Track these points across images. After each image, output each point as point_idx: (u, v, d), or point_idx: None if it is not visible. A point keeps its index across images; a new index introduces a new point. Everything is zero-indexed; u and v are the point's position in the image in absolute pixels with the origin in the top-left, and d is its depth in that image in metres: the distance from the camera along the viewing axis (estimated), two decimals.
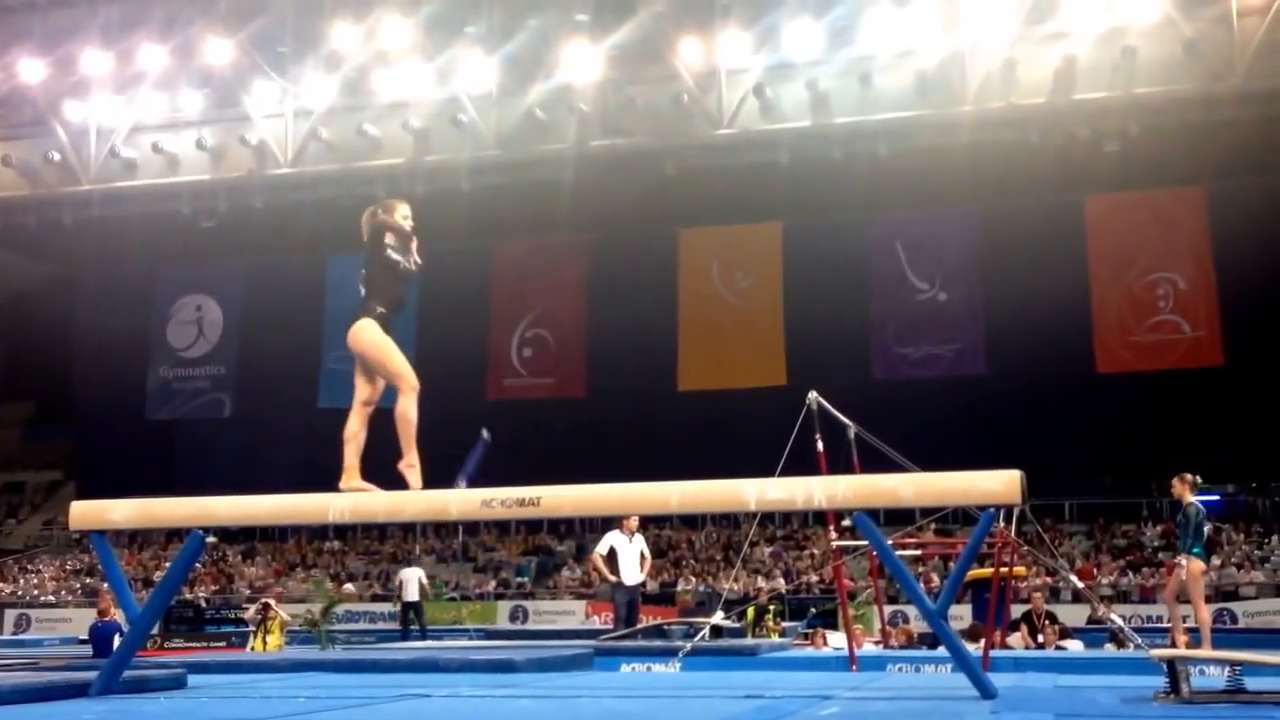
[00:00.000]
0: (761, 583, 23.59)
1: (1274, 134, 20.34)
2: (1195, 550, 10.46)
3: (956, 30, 20.30)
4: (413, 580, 19.96)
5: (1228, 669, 6.14)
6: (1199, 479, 10.70)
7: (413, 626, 19.85)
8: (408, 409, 6.45)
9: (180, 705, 6.18)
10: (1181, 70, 19.73)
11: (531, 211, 24.58)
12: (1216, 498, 26.61)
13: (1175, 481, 10.73)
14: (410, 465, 6.38)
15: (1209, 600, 11.90)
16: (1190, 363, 22.88)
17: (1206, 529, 10.68)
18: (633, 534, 13.21)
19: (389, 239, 6.74)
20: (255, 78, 23.10)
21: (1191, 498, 10.59)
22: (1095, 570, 23.49)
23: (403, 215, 6.82)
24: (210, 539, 7.34)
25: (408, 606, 20.02)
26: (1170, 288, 23.08)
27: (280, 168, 23.30)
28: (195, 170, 23.91)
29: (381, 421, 6.67)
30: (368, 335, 6.54)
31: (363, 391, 6.65)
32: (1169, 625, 11.38)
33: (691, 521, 27.86)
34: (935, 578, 21.30)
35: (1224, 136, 20.47)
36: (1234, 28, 19.41)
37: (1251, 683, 6.06)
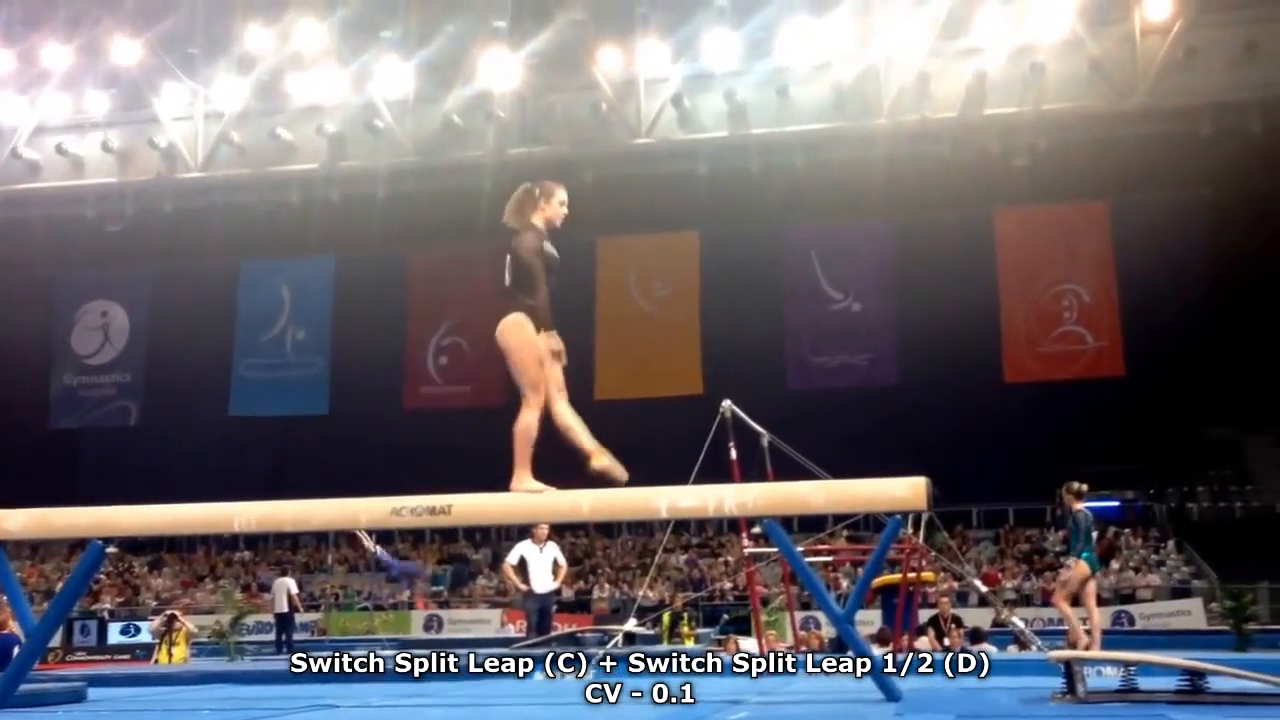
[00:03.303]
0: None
1: (1175, 150, 20.96)
2: (1085, 555, 10.77)
3: (872, 45, 20.63)
4: (281, 592, 19.74)
5: (1122, 669, 6.32)
6: (1085, 487, 11.00)
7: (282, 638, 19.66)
8: (531, 423, 5.99)
9: (78, 719, 6.04)
10: (1087, 87, 20.29)
11: (448, 219, 24.44)
12: (1116, 504, 27.37)
13: (1064, 492, 11.03)
14: (518, 481, 5.98)
15: (1099, 604, 12.21)
16: (1093, 372, 23.45)
17: (1094, 535, 10.99)
18: (543, 543, 13.20)
19: (543, 226, 6.20)
20: (164, 79, 22.66)
21: (1080, 505, 10.88)
22: (1000, 575, 23.98)
23: (559, 201, 6.26)
24: (111, 549, 7.17)
25: (278, 618, 19.83)
26: (1074, 299, 23.63)
27: (190, 171, 22.88)
28: (101, 173, 23.40)
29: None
30: (521, 333, 6.01)
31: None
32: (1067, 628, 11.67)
33: (607, 529, 27.88)
34: (845, 583, 21.57)
35: (1127, 152, 21.06)
36: (1137, 47, 20.01)
37: (1145, 682, 6.24)
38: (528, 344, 6.03)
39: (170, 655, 16.63)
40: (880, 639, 12.03)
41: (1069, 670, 6.00)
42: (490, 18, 21.67)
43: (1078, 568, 10.76)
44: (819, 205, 24.33)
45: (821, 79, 20.81)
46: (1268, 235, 22.93)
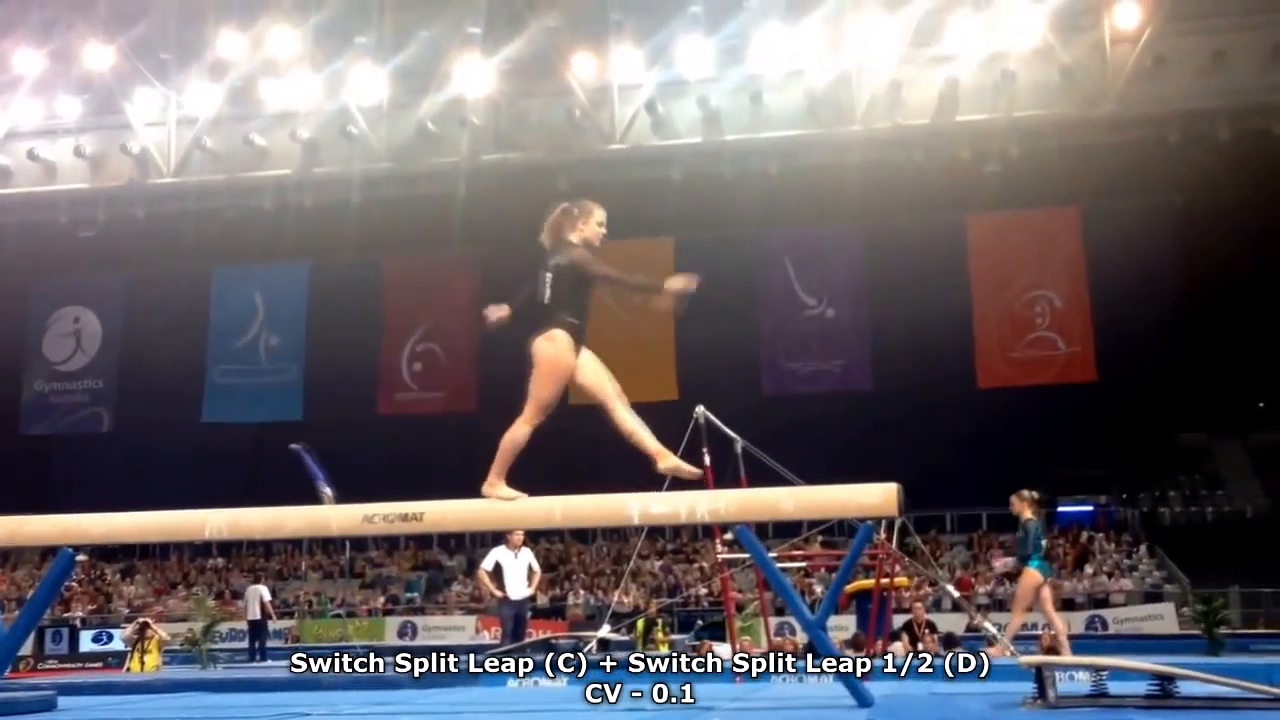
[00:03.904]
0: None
1: (1145, 156, 21.15)
2: (1035, 563, 10.77)
3: (844, 51, 20.71)
4: (254, 599, 19.69)
5: (1093, 675, 6.37)
6: (1037, 494, 11.00)
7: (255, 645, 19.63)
8: (521, 437, 6.06)
9: None
10: (1058, 95, 20.43)
11: (423, 225, 24.38)
12: (1090, 508, 27.57)
13: (1014, 499, 10.99)
14: (491, 486, 6.04)
15: (1073, 608, 12.30)
16: (1065, 378, 23.60)
17: (1044, 543, 11.02)
18: (518, 549, 13.20)
19: (583, 244, 6.22)
20: (137, 84, 22.48)
21: (1030, 514, 10.86)
22: (973, 580, 24.10)
23: (598, 221, 6.30)
24: (82, 556, 7.14)
25: (251, 625, 19.79)
26: (1047, 305, 23.79)
27: (163, 177, 22.74)
28: (73, 179, 23.19)
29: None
30: (557, 350, 6.09)
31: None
32: (1038, 633, 11.75)
33: (582, 536, 27.87)
34: (819, 588, 21.64)
35: (1098, 159, 21.24)
36: (1107, 55, 20.17)
37: (1115, 687, 6.29)
38: (562, 364, 6.09)
39: (142, 663, 16.55)
40: (855, 644, 12.08)
41: (1040, 675, 6.05)
42: (464, 24, 21.59)
43: (1028, 576, 10.77)
44: (793, 211, 24.41)
45: (795, 85, 20.87)
46: (1236, 241, 23.19)
